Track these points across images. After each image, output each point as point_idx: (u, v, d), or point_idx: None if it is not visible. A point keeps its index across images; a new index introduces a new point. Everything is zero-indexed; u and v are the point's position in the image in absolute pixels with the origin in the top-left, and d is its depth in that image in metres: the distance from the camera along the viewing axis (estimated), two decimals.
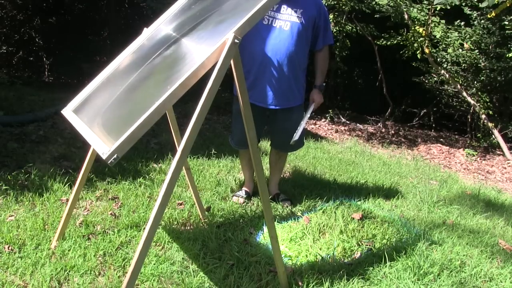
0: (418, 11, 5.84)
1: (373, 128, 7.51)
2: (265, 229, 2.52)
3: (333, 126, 7.26)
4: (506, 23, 5.76)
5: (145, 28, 2.28)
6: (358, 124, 7.58)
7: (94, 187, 3.07)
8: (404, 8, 5.89)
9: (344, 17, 7.15)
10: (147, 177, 3.34)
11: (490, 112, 6.42)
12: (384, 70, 7.81)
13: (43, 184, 2.97)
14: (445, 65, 6.66)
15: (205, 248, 2.35)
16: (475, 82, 6.71)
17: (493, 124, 6.33)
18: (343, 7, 6.70)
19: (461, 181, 4.66)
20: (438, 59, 6.51)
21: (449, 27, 6.10)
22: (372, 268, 2.29)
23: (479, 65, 6.45)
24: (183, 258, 2.25)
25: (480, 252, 2.63)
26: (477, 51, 6.26)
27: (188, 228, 2.63)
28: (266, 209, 1.90)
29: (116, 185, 3.13)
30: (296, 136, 2.78)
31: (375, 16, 6.43)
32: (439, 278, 2.26)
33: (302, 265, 2.27)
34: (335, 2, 6.61)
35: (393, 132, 7.32)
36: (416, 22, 6.11)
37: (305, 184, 3.59)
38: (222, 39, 1.60)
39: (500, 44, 6.40)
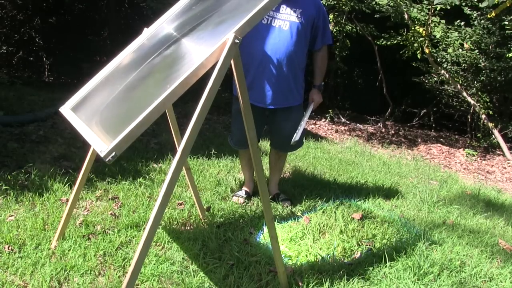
0: (418, 11, 5.84)
1: (373, 128, 7.51)
2: (265, 229, 2.52)
3: (333, 126, 7.26)
4: (506, 23, 5.76)
5: (145, 28, 2.28)
6: (358, 124, 7.58)
7: (94, 187, 3.07)
8: (404, 8, 5.89)
9: (344, 17, 7.15)
10: (147, 177, 3.34)
11: (490, 112, 6.42)
12: (384, 70, 7.81)
13: (43, 184, 2.97)
14: (445, 65, 6.66)
15: (205, 248, 2.35)
16: (475, 82, 6.71)
17: (493, 124, 6.33)
18: (343, 7, 6.71)
19: (461, 181, 4.66)
20: (438, 59, 6.51)
21: (449, 27, 6.10)
22: (372, 268, 2.29)
23: (479, 65, 6.45)
24: (183, 258, 2.25)
25: (480, 252, 2.63)
26: (477, 51, 6.27)
27: (188, 228, 2.63)
28: (266, 209, 1.90)
29: (116, 185, 3.13)
30: (297, 136, 2.79)
31: (375, 16, 6.43)
32: (439, 278, 2.26)
33: (302, 265, 2.27)
34: (335, 2, 6.61)
35: (393, 132, 7.32)
36: (416, 22, 6.11)
37: (305, 184, 3.59)
38: (222, 39, 1.60)
39: (500, 44, 6.40)
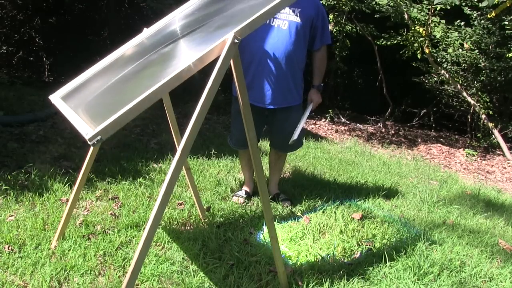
0: (418, 11, 5.84)
1: (373, 128, 7.51)
2: (265, 229, 2.52)
3: (333, 126, 7.26)
4: (506, 23, 5.76)
5: (145, 28, 2.28)
6: (358, 124, 7.58)
7: (94, 187, 3.07)
8: (404, 8, 5.89)
9: (344, 17, 7.15)
10: (147, 177, 3.34)
11: (490, 112, 6.42)
12: (384, 70, 7.81)
13: (43, 184, 2.97)
14: (445, 65, 6.65)
15: (205, 248, 2.35)
16: (475, 82, 6.71)
17: (493, 124, 6.33)
18: (343, 7, 6.71)
19: (461, 181, 4.66)
20: (438, 59, 6.51)
21: (449, 27, 6.10)
22: (372, 268, 2.29)
23: (479, 65, 6.45)
24: (183, 258, 2.25)
25: (480, 252, 2.63)
26: (477, 51, 6.26)
27: (188, 228, 2.63)
28: (266, 209, 1.90)
29: (116, 185, 3.13)
30: (295, 135, 2.78)
31: (375, 16, 6.43)
32: (439, 278, 2.26)
33: (302, 265, 2.27)
34: (335, 2, 6.61)
35: (393, 132, 7.32)
36: (416, 22, 6.11)
37: (305, 184, 3.59)
38: (222, 39, 1.60)
39: (500, 44, 6.40)
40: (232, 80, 2.56)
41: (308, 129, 6.71)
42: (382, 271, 2.27)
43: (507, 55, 5.95)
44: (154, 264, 2.16)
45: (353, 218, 2.88)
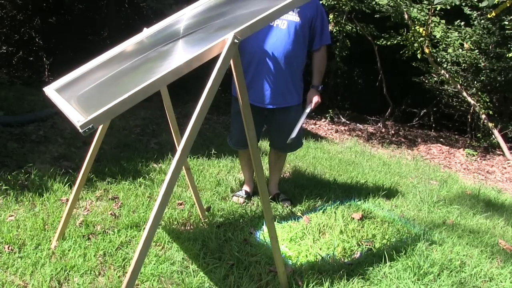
0: (418, 11, 5.84)
1: (373, 128, 7.52)
2: (265, 229, 2.52)
3: (333, 126, 7.26)
4: (506, 23, 5.76)
5: (145, 28, 2.29)
6: (358, 124, 7.58)
7: (94, 187, 3.07)
8: (404, 8, 5.89)
9: (344, 17, 7.15)
10: (147, 177, 3.34)
11: (490, 112, 6.42)
12: (384, 70, 7.81)
13: (43, 184, 2.97)
14: (445, 65, 6.66)
15: (205, 248, 2.35)
16: (475, 82, 6.71)
17: (493, 124, 6.33)
18: (343, 7, 6.71)
19: (461, 181, 4.66)
20: (438, 59, 6.51)
21: (449, 27, 6.10)
22: (372, 268, 2.29)
23: (479, 65, 6.45)
24: (183, 258, 2.25)
25: (480, 252, 2.63)
26: (477, 51, 6.26)
27: (188, 228, 2.63)
28: (266, 209, 1.90)
29: (116, 185, 3.13)
30: (293, 134, 2.78)
31: (375, 16, 6.43)
32: (439, 278, 2.26)
33: (302, 265, 2.27)
34: (335, 2, 6.61)
35: (393, 132, 7.32)
36: (416, 22, 6.11)
37: (305, 184, 3.59)
38: (222, 38, 1.60)
39: (500, 44, 6.40)
40: (232, 80, 2.57)
41: (308, 129, 6.71)
42: (382, 271, 2.27)
43: (507, 55, 5.95)
44: (154, 264, 2.16)
45: (353, 218, 2.88)
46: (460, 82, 6.71)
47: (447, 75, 6.58)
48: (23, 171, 3.12)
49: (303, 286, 2.08)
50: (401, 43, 6.63)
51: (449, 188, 4.13)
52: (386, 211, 3.18)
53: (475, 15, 6.15)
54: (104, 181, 3.17)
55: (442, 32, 5.91)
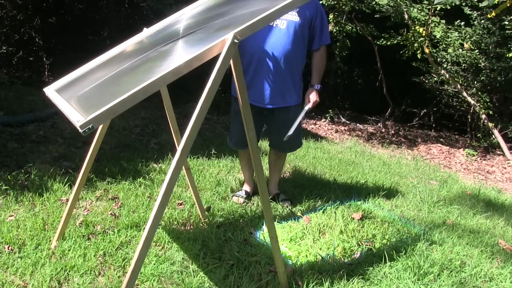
0: (418, 11, 5.84)
1: (373, 128, 7.51)
2: (265, 229, 2.52)
3: (333, 126, 7.26)
4: (506, 23, 5.76)
5: (144, 28, 2.29)
6: (358, 124, 7.58)
7: (94, 187, 3.07)
8: (404, 8, 5.89)
9: (344, 17, 7.15)
10: (147, 177, 3.34)
11: (490, 112, 6.42)
12: (384, 70, 7.81)
13: (43, 184, 2.97)
14: (445, 65, 6.65)
15: (205, 248, 2.35)
16: (475, 82, 6.71)
17: (493, 124, 6.33)
18: (343, 7, 6.71)
19: (461, 181, 4.66)
20: (438, 59, 6.51)
21: (449, 27, 6.10)
22: (372, 268, 2.29)
23: (479, 65, 6.45)
24: (183, 258, 2.25)
25: (480, 252, 2.63)
26: (477, 51, 6.26)
27: (188, 228, 2.63)
28: (266, 209, 1.90)
29: (116, 185, 3.13)
30: (290, 132, 2.77)
31: (375, 16, 6.43)
32: (439, 278, 2.26)
33: (302, 265, 2.27)
34: (335, 2, 6.61)
35: (393, 132, 7.32)
36: (416, 22, 6.11)
37: (305, 184, 3.59)
38: (222, 38, 1.61)
39: (500, 44, 6.39)
40: (232, 80, 2.57)
41: (308, 129, 6.71)
42: (382, 271, 2.27)
43: (507, 55, 5.95)
44: (154, 264, 2.16)
45: (353, 218, 2.88)
46: (460, 82, 6.71)
47: (447, 75, 6.58)
48: (23, 171, 3.12)
49: (303, 286, 2.08)
50: (401, 43, 6.63)
51: (449, 188, 4.13)
52: (386, 211, 3.18)
53: (475, 15, 6.15)
54: (104, 181, 3.17)
55: (442, 32, 5.91)
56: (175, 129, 2.47)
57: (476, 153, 6.30)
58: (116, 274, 2.06)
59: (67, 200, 2.66)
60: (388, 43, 6.86)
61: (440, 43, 6.21)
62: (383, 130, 7.40)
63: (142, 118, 5.38)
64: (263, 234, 2.56)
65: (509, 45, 6.14)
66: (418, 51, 6.33)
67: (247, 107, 1.76)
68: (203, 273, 2.13)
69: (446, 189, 4.04)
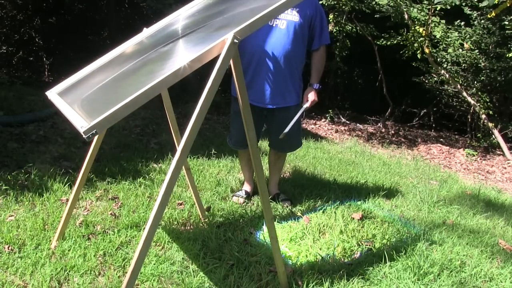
0: (418, 11, 5.84)
1: (373, 128, 7.51)
2: (265, 229, 2.52)
3: (333, 126, 7.26)
4: (506, 23, 5.76)
5: (144, 28, 2.29)
6: (358, 124, 7.58)
7: (94, 187, 3.07)
8: (404, 8, 5.89)
9: (344, 17, 7.16)
10: (147, 177, 3.34)
11: (490, 112, 6.42)
12: (384, 70, 7.81)
13: (43, 184, 2.97)
14: (445, 65, 6.66)
15: (205, 248, 2.35)
16: (475, 82, 6.71)
17: (493, 124, 6.33)
18: (343, 7, 6.71)
19: (461, 181, 4.66)
20: (438, 59, 6.51)
21: (449, 27, 6.10)
22: (372, 268, 2.29)
23: (479, 65, 6.45)
24: (183, 258, 2.25)
25: (480, 252, 2.63)
26: (477, 51, 6.27)
27: (188, 228, 2.63)
28: (266, 209, 1.90)
29: (116, 185, 3.13)
30: (286, 129, 2.76)
31: (375, 16, 6.43)
32: (439, 278, 2.26)
33: (302, 265, 2.27)
34: (335, 2, 6.62)
35: (393, 132, 7.32)
36: (416, 22, 6.11)
37: (305, 184, 3.59)
38: (221, 38, 1.60)
39: (500, 44, 6.40)
40: (232, 80, 2.57)
41: (308, 129, 6.71)
42: (382, 271, 2.27)
43: (507, 55, 5.95)
44: (154, 264, 2.16)
45: (353, 218, 2.88)
46: (460, 82, 6.71)
47: (447, 75, 6.58)
48: (23, 171, 3.12)
49: (303, 286, 2.08)
50: (401, 43, 6.63)
51: (449, 188, 4.13)
52: (386, 211, 3.18)
53: (475, 15, 6.15)
54: (104, 181, 3.17)
55: (442, 32, 5.91)
56: (175, 129, 2.47)
57: (476, 153, 6.30)
58: (116, 274, 2.06)
59: (67, 200, 2.66)
60: (388, 43, 6.86)
61: (440, 43, 6.21)
62: (383, 130, 7.40)
63: (142, 118, 5.38)
64: (263, 234, 2.56)
65: (509, 45, 6.14)
66: (418, 51, 6.33)
67: (247, 107, 1.76)
68: (203, 273, 2.13)
69: (446, 189, 4.04)
